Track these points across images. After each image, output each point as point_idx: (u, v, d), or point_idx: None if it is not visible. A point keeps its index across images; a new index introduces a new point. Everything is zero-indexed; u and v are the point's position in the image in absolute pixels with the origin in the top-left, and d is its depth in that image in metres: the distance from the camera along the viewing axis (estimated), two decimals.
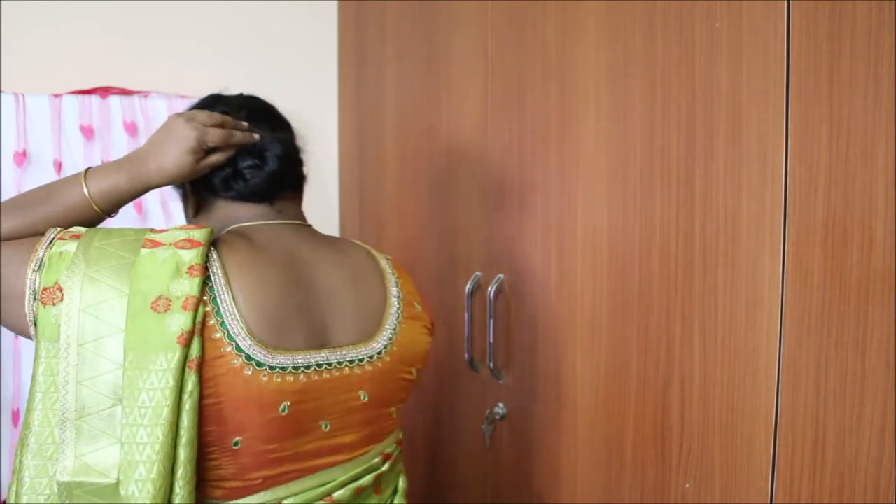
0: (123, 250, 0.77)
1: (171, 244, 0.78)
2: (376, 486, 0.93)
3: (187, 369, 0.74)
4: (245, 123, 0.92)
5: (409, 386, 0.95)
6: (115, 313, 0.73)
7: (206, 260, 0.79)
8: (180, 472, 0.73)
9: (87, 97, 1.58)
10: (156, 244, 0.78)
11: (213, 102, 0.96)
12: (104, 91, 1.62)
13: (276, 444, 0.81)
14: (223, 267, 0.80)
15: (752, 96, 0.76)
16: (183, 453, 0.73)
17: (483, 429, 1.31)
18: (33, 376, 0.73)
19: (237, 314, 0.78)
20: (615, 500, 1.00)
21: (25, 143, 1.52)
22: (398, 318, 0.93)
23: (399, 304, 0.94)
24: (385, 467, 0.93)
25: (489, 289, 1.23)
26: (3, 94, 1.50)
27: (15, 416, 1.54)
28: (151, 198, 1.64)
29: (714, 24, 0.80)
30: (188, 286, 0.75)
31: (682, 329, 0.87)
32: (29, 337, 0.77)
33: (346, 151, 1.97)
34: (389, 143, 1.65)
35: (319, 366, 0.83)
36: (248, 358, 0.77)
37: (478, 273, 1.30)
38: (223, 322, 0.77)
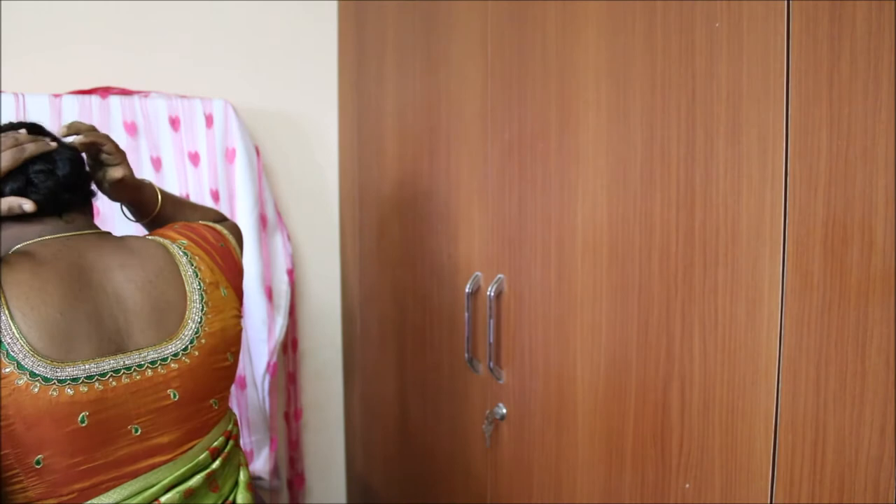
0: None
1: None
2: (211, 484, 0.93)
3: None
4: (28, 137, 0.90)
5: (227, 373, 0.97)
6: None
7: None
8: None
9: (87, 97, 1.58)
10: None
11: None
12: (104, 91, 1.62)
13: (82, 456, 0.81)
14: (0, 289, 0.79)
15: (752, 96, 0.76)
16: None
17: (483, 429, 1.31)
18: None
19: (15, 332, 0.77)
20: (615, 500, 1.00)
21: None
22: (202, 310, 0.93)
23: (201, 295, 0.94)
24: (216, 465, 0.93)
25: (489, 289, 1.23)
26: (3, 94, 1.50)
27: None
28: None
29: (714, 24, 0.80)
30: None
31: (682, 329, 0.87)
32: None
33: (346, 151, 1.97)
34: (389, 143, 1.65)
35: (117, 372, 0.84)
36: (33, 375, 0.77)
37: (478, 273, 1.30)
38: (1, 343, 0.76)
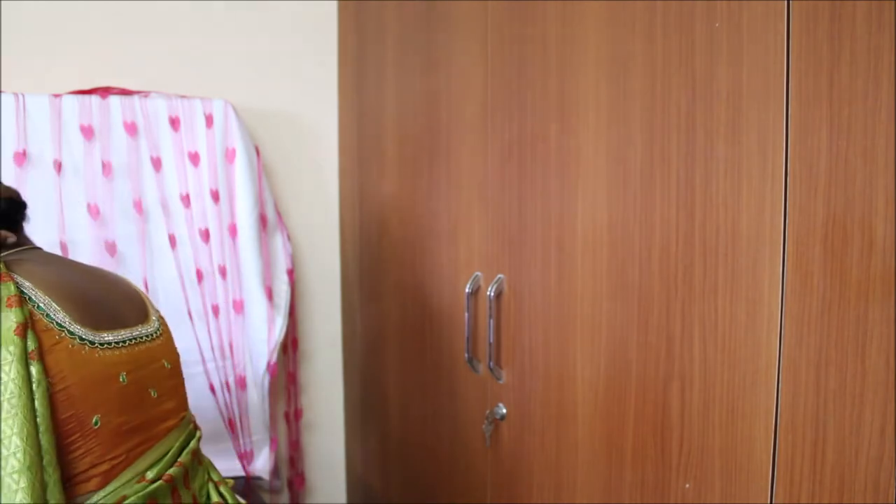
0: None
1: None
2: (199, 453, 1.04)
3: (30, 360, 0.79)
4: None
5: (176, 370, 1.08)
6: None
7: (9, 270, 0.85)
8: (46, 458, 0.77)
9: (87, 97, 1.58)
10: None
11: None
12: (104, 91, 1.62)
13: (126, 416, 0.89)
14: (23, 277, 0.86)
15: (752, 96, 0.76)
16: (44, 440, 0.77)
17: (483, 429, 1.30)
18: None
19: (54, 304, 0.85)
20: (615, 500, 1.00)
21: (25, 143, 1.52)
22: (155, 307, 1.07)
23: (148, 298, 1.08)
24: (199, 433, 1.05)
25: (489, 289, 1.22)
26: (3, 94, 1.50)
27: None
28: (151, 197, 1.65)
29: (714, 24, 0.80)
30: (4, 290, 0.81)
31: (682, 329, 0.87)
32: None
33: (346, 151, 1.97)
34: (389, 142, 1.65)
35: (132, 340, 0.94)
36: (81, 339, 0.86)
37: (478, 273, 1.30)
38: (48, 314, 0.84)
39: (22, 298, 0.82)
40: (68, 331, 0.85)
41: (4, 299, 0.80)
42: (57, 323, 0.84)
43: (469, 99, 1.30)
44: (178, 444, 0.97)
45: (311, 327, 2.05)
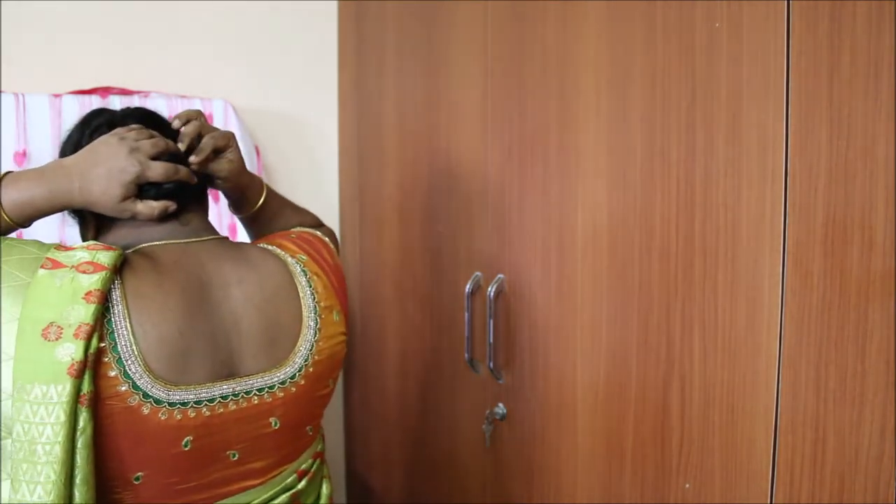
0: (20, 269, 0.72)
1: (72, 266, 0.73)
2: (294, 502, 0.90)
3: (79, 405, 0.68)
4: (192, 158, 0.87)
5: (325, 401, 0.93)
6: (7, 338, 0.68)
7: (108, 286, 0.73)
8: None
9: (87, 97, 1.58)
10: (56, 265, 0.73)
11: (94, 116, 0.89)
12: (104, 91, 1.62)
13: (179, 477, 0.78)
14: (124, 296, 0.75)
15: (752, 96, 0.76)
16: (78, 494, 0.68)
17: (483, 429, 1.30)
18: None
19: (135, 349, 0.73)
20: (615, 500, 1.00)
21: (25, 143, 1.52)
22: (315, 335, 0.88)
23: (316, 320, 0.89)
24: (301, 485, 0.90)
25: (489, 289, 1.22)
26: (3, 94, 1.50)
27: None
28: None
29: (714, 25, 0.80)
30: (83, 313, 0.70)
31: (682, 329, 0.87)
32: None
33: (346, 151, 1.97)
34: (389, 143, 1.65)
35: (225, 398, 0.80)
36: (146, 396, 0.73)
37: (478, 273, 1.30)
38: (119, 359, 0.72)
39: (93, 330, 0.70)
40: (134, 384, 0.73)
41: (76, 325, 0.69)
42: (125, 373, 0.72)
43: (469, 99, 1.30)
44: (257, 502, 0.85)
45: None
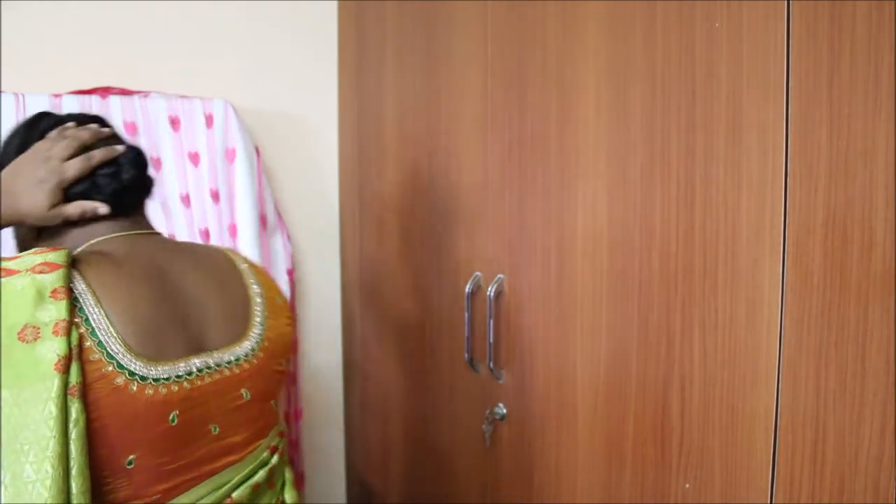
0: None
1: (27, 270, 0.74)
2: (270, 480, 0.95)
3: (69, 396, 0.70)
4: (106, 130, 0.90)
5: (282, 378, 0.99)
6: None
7: (70, 281, 0.75)
8: (76, 502, 0.69)
9: (87, 97, 1.58)
10: (10, 272, 0.74)
11: (41, 119, 0.92)
12: (104, 91, 1.62)
13: (169, 456, 0.80)
14: (89, 286, 0.77)
15: (752, 96, 0.76)
16: (75, 485, 0.69)
17: (483, 429, 1.31)
18: None
19: (112, 330, 0.76)
20: (615, 500, 1.00)
21: None
22: (264, 314, 0.95)
23: (262, 300, 0.96)
24: (275, 460, 0.95)
25: (489, 289, 1.22)
26: (3, 94, 1.50)
27: None
28: None
29: (714, 24, 0.80)
30: (55, 311, 0.72)
31: (682, 329, 0.87)
32: None
33: (346, 151, 1.97)
34: (389, 143, 1.65)
35: (200, 371, 0.84)
36: (131, 374, 0.76)
37: (478, 273, 1.30)
38: (100, 342, 0.75)
39: (70, 324, 0.72)
40: (118, 363, 0.75)
41: (52, 323, 0.71)
42: (108, 353, 0.75)
43: (469, 99, 1.30)
44: (237, 478, 0.88)
45: (311, 327, 2.05)
